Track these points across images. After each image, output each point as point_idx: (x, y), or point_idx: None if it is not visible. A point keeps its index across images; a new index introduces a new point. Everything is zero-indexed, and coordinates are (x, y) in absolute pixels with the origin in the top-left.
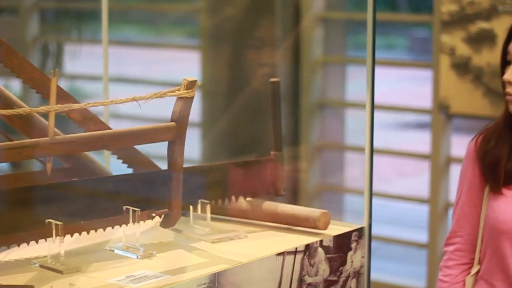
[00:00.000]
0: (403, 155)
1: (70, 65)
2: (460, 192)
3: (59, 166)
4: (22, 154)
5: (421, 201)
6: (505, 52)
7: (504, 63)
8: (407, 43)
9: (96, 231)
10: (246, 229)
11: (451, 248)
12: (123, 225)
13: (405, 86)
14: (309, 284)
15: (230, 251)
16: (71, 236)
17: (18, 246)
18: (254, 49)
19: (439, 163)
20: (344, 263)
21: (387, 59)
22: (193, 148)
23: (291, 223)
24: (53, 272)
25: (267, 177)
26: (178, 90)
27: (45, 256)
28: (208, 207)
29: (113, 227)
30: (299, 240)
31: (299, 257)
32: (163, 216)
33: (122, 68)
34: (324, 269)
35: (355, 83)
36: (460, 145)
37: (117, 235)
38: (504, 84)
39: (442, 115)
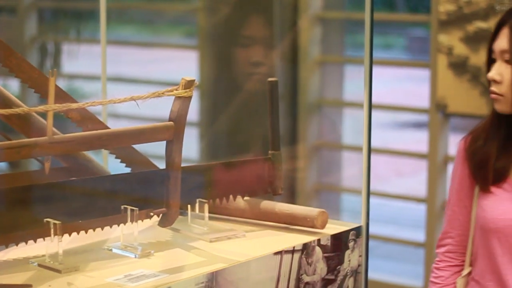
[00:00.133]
0: (400, 155)
1: (68, 65)
2: (451, 192)
3: (58, 166)
4: (20, 153)
5: (418, 200)
6: (490, 50)
7: (490, 61)
8: (405, 42)
9: (94, 230)
10: (244, 228)
11: (442, 249)
12: (121, 224)
13: (403, 85)
14: (307, 283)
15: (228, 250)
16: (70, 235)
17: (17, 245)
18: (251, 49)
19: (436, 163)
20: (341, 262)
21: (385, 59)
22: (191, 148)
23: (289, 222)
24: (51, 271)
25: (265, 176)
26: (176, 90)
27: (43, 255)
28: (206, 206)
29: (111, 226)
30: (296, 239)
31: (296, 256)
32: (161, 215)
33: (120, 68)
34: (321, 268)
35: (353, 83)
36: None
37: (115, 234)
38: (489, 82)
39: (440, 115)
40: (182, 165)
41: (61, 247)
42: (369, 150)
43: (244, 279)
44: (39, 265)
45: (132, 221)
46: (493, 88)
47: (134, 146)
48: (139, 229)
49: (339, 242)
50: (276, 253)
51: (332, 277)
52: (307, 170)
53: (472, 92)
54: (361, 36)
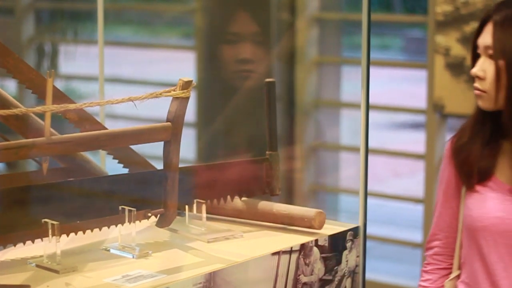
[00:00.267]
0: (398, 155)
1: (66, 66)
2: (438, 193)
3: (55, 166)
4: (18, 154)
5: (416, 201)
6: (475, 46)
7: (475, 57)
8: (402, 43)
9: (92, 230)
10: (242, 228)
11: (430, 252)
12: (119, 225)
13: (400, 86)
14: (304, 283)
15: (225, 250)
16: (67, 235)
17: (14, 246)
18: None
19: (434, 163)
20: (339, 262)
21: (382, 60)
22: (188, 148)
23: (286, 222)
24: (49, 272)
25: (263, 177)
26: (174, 91)
27: (41, 256)
28: (204, 207)
29: (109, 227)
30: (294, 240)
31: (294, 256)
32: (158, 215)
33: (118, 69)
34: (319, 268)
35: (350, 84)
36: None
37: (113, 234)
38: (474, 78)
39: (437, 115)
40: (180, 165)
41: (59, 248)
42: (367, 150)
43: (241, 280)
44: (37, 266)
45: (130, 221)
46: (476, 84)
47: (131, 146)
48: (137, 229)
49: (337, 243)
50: (273, 254)
51: (330, 277)
52: (305, 171)
53: (469, 93)
54: (358, 37)
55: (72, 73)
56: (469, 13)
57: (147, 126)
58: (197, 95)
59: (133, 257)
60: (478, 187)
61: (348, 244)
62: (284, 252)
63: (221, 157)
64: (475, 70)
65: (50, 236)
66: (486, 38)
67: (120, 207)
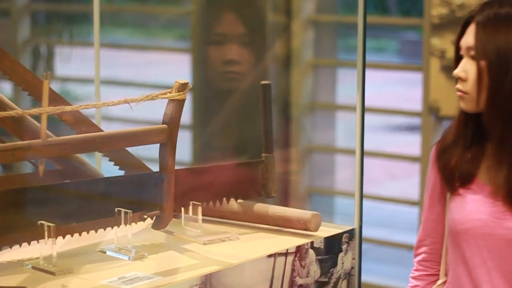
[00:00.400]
0: (393, 158)
1: (62, 68)
2: (425, 198)
3: (51, 168)
4: (14, 156)
5: (411, 203)
6: (458, 47)
7: (458, 58)
8: (398, 46)
9: (88, 232)
10: (237, 230)
11: (418, 258)
12: (115, 227)
13: (396, 89)
14: (300, 285)
15: (221, 252)
16: (63, 237)
17: (11, 247)
18: (244, 52)
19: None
20: (335, 264)
21: (378, 62)
22: (184, 150)
23: (282, 225)
24: (45, 274)
25: (258, 179)
26: (170, 93)
27: (37, 258)
28: (200, 209)
29: (105, 229)
30: (290, 242)
31: (290, 258)
32: (154, 217)
33: (114, 71)
34: (315, 270)
35: (345, 86)
36: None
37: (109, 236)
38: (456, 80)
39: (432, 118)
40: (176, 167)
41: (55, 250)
42: (362, 153)
43: (237, 282)
44: (33, 268)
45: (126, 223)
46: (459, 85)
47: (127, 148)
48: (133, 231)
49: (332, 245)
50: (269, 256)
51: (325, 279)
52: (300, 173)
53: None
54: (354, 40)
55: (68, 75)
56: (465, 16)
57: (143, 128)
58: (193, 97)
59: (129, 259)
60: (461, 190)
61: (344, 246)
62: (280, 254)
63: (217, 159)
64: (457, 71)
65: (46, 238)
66: (468, 39)
67: (116, 209)
